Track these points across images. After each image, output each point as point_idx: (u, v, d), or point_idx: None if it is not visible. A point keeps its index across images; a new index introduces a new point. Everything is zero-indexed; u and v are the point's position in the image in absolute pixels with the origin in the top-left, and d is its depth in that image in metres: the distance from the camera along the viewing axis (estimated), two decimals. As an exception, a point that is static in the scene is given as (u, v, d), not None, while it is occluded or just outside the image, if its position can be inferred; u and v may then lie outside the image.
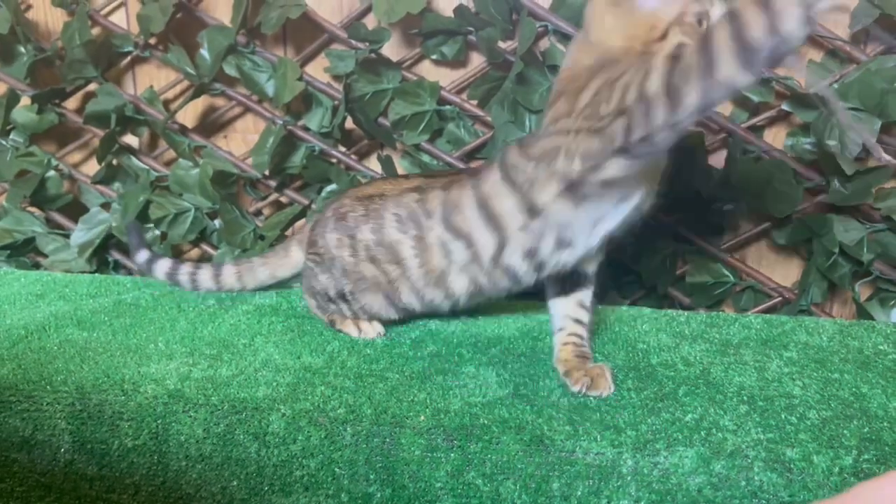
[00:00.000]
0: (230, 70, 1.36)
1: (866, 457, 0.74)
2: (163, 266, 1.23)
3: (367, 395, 0.86)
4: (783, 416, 0.81)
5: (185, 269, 1.21)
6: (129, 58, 1.45)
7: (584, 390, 0.86)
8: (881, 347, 1.00)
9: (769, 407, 0.83)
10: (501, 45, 1.28)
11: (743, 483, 0.73)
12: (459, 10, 1.25)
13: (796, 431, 0.78)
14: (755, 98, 1.24)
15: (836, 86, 1.19)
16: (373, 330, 1.03)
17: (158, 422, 0.83)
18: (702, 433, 0.78)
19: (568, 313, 0.97)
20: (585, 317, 0.97)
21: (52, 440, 0.85)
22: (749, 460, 0.74)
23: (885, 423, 0.80)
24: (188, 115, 1.46)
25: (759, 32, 0.63)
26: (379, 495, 0.79)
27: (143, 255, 1.25)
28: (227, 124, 1.47)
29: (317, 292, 1.06)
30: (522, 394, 0.87)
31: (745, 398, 0.85)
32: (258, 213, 1.45)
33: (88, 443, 0.84)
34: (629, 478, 0.75)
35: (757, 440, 0.77)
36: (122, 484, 0.84)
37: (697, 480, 0.74)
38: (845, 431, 0.78)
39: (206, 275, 1.20)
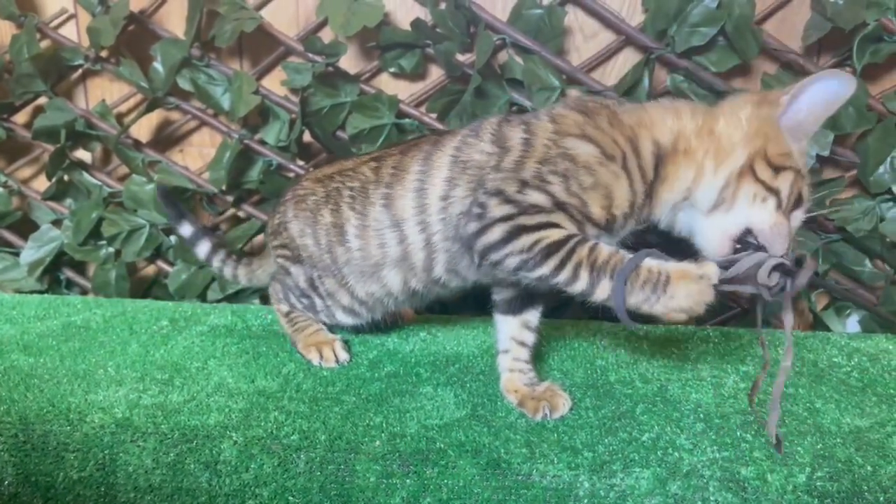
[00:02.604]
0: (185, 83, 1.34)
1: (819, 474, 0.74)
2: (203, 248, 1.26)
3: (321, 420, 0.84)
4: (738, 434, 0.81)
5: (217, 260, 1.25)
6: (79, 71, 1.41)
7: (546, 418, 0.85)
8: (835, 360, 1.01)
9: (725, 424, 0.83)
10: (459, 57, 1.28)
11: (699, 503, 0.73)
12: (416, 23, 1.24)
13: (751, 449, 0.78)
14: (711, 110, 1.24)
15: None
16: (333, 357, 1.01)
17: (105, 452, 0.81)
18: (658, 453, 0.78)
19: (513, 335, 0.96)
20: (530, 339, 0.96)
21: (-5, 473, 0.82)
22: (705, 480, 0.74)
23: (838, 439, 0.80)
24: (142, 129, 1.43)
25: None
26: (334, 524, 0.77)
27: (186, 229, 1.26)
28: (183, 138, 1.44)
29: (290, 289, 1.06)
30: (480, 414, 0.86)
31: (701, 416, 0.86)
32: (216, 228, 1.43)
33: (32, 475, 0.81)
34: (585, 501, 0.74)
35: (713, 459, 0.77)
36: (69, 517, 0.81)
37: (653, 502, 0.74)
38: (799, 448, 0.79)
39: (228, 270, 1.25)
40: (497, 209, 0.81)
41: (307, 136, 1.35)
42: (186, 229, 1.26)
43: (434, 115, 1.31)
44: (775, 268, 0.76)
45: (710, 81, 1.22)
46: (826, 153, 1.19)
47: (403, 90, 1.34)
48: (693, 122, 0.84)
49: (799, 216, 0.83)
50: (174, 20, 1.36)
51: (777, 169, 0.80)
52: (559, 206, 0.80)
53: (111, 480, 0.80)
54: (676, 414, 0.86)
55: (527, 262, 0.79)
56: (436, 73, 1.34)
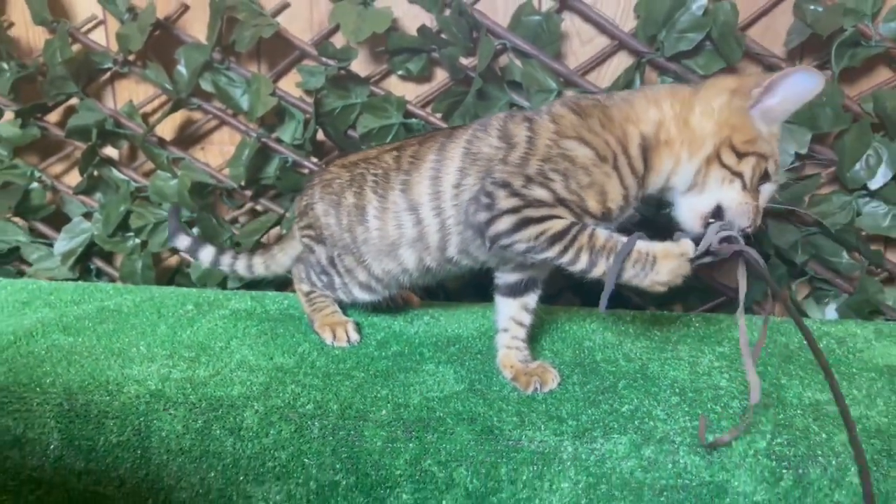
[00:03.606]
0: (206, 85, 1.43)
1: (779, 440, 0.83)
2: (206, 254, 1.31)
3: (333, 392, 0.94)
4: (709, 406, 0.90)
5: (226, 259, 1.31)
6: (108, 74, 1.51)
7: (536, 391, 0.94)
8: (805, 343, 1.09)
9: (698, 398, 0.92)
10: (463, 61, 1.36)
11: (669, 465, 0.82)
12: (422, 29, 1.33)
13: (719, 419, 0.87)
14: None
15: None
16: (345, 337, 1.10)
17: (141, 419, 0.91)
18: (636, 422, 0.87)
19: (513, 315, 1.05)
20: (528, 320, 1.05)
21: (42, 437, 0.92)
22: (675, 445, 0.83)
23: (798, 411, 0.89)
24: (166, 128, 1.52)
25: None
26: (344, 483, 0.87)
27: (183, 241, 1.32)
28: (204, 137, 1.54)
29: (312, 267, 1.15)
30: (476, 388, 0.95)
31: (677, 390, 0.94)
32: (234, 221, 1.52)
33: (76, 440, 0.91)
34: (569, 463, 0.83)
35: (684, 427, 0.86)
36: (108, 477, 0.91)
37: (629, 464, 0.83)
38: (762, 418, 0.87)
39: (241, 264, 1.31)
40: (505, 201, 0.91)
41: (321, 135, 1.44)
42: (184, 241, 1.32)
43: (439, 115, 1.40)
44: (725, 239, 0.87)
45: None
46: (805, 151, 1.27)
47: (410, 92, 1.43)
48: (672, 111, 0.93)
49: (768, 188, 0.94)
50: (196, 26, 1.46)
51: (741, 155, 0.90)
52: (560, 201, 0.90)
53: (146, 444, 0.90)
54: (654, 389, 0.95)
55: (534, 248, 0.90)
56: (441, 76, 1.43)
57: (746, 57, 1.30)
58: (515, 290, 1.06)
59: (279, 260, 1.29)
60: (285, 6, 1.42)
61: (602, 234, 0.88)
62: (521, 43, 1.33)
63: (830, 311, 1.35)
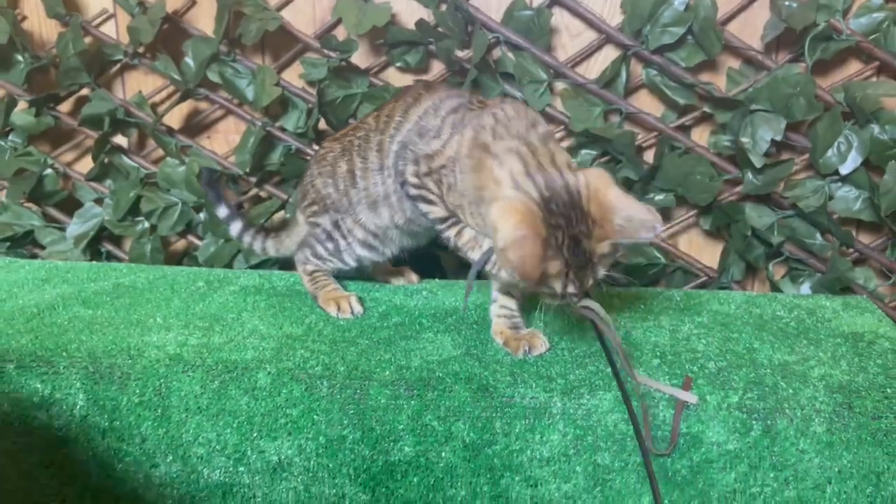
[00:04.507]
0: (213, 76, 1.50)
1: (749, 395, 0.91)
2: (236, 227, 1.40)
3: (340, 356, 1.01)
4: (687, 367, 0.98)
5: (248, 236, 1.40)
6: (118, 65, 1.58)
7: (526, 355, 1.02)
8: (779, 313, 1.17)
9: (676, 360, 1.00)
10: (458, 53, 1.44)
11: (650, 419, 0.90)
12: (420, 23, 1.41)
13: (696, 378, 0.95)
14: (681, 101, 1.41)
15: (749, 90, 1.36)
16: (350, 309, 1.16)
17: (161, 381, 0.98)
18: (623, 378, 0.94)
19: None
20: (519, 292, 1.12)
21: (69, 398, 0.98)
22: (655, 400, 0.91)
23: (768, 370, 0.97)
24: (174, 117, 1.59)
25: None
26: (351, 437, 0.94)
27: (223, 211, 1.40)
28: (211, 126, 1.61)
29: (319, 239, 1.22)
30: (473, 353, 1.03)
31: (657, 353, 1.02)
32: (240, 206, 1.59)
33: (101, 400, 0.98)
34: (558, 416, 0.91)
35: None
36: (130, 434, 0.98)
37: (613, 417, 0.90)
38: (735, 377, 0.95)
39: (258, 244, 1.40)
40: (410, 176, 1.06)
41: (323, 124, 1.52)
42: (223, 211, 1.40)
43: (436, 105, 1.47)
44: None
45: (680, 75, 1.38)
46: (780, 138, 1.35)
47: (408, 82, 1.50)
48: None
49: None
50: (204, 20, 1.53)
51: None
52: (441, 199, 1.03)
53: (166, 403, 0.97)
54: (637, 353, 1.03)
55: (426, 214, 1.07)
56: (437, 68, 1.50)
57: (726, 50, 1.38)
58: None
59: (287, 244, 1.37)
60: (289, 1, 1.49)
61: (467, 233, 1.04)
62: (513, 36, 1.41)
63: (805, 290, 1.43)
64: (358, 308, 1.17)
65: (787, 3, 1.33)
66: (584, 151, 1.46)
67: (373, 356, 1.01)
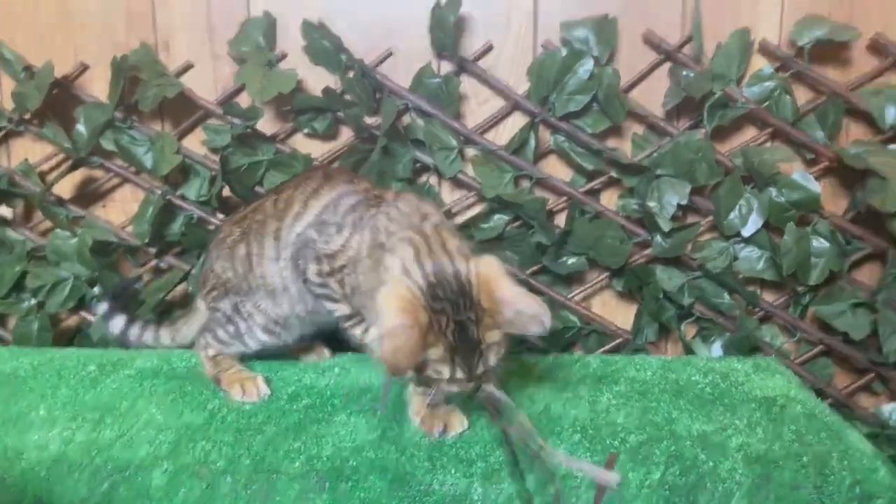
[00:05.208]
0: (108, 144, 1.43)
1: (671, 471, 0.90)
2: (117, 323, 1.34)
3: (245, 446, 0.94)
4: (608, 442, 0.96)
5: (135, 330, 1.34)
6: (2, 132, 1.47)
7: (442, 434, 0.97)
8: (693, 378, 1.18)
9: (597, 434, 0.98)
10: (368, 120, 1.42)
11: (573, 500, 0.87)
12: (327, 90, 1.38)
13: (618, 453, 0.93)
14: (590, 166, 1.42)
15: (654, 155, 1.39)
16: (256, 391, 1.10)
17: (42, 485, 0.88)
18: (541, 460, 0.91)
19: None
20: None
21: (-67, 511, 0.87)
22: (578, 481, 0.88)
23: (688, 442, 0.96)
24: (65, 186, 1.49)
25: None
26: (258, 538, 0.87)
27: (102, 307, 1.35)
28: (106, 195, 1.52)
29: (219, 323, 1.16)
30: (389, 436, 0.98)
31: (578, 428, 1.00)
32: (138, 279, 1.50)
33: (-29, 511, 0.87)
34: (479, 503, 0.87)
35: (585, 463, 0.91)
36: (6, 549, 0.87)
37: (536, 502, 0.87)
38: (656, 451, 0.94)
39: (149, 335, 1.34)
40: (313, 275, 1.06)
41: (227, 191, 1.45)
42: (102, 307, 1.34)
43: (345, 172, 1.44)
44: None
45: (587, 141, 1.40)
46: (685, 202, 1.38)
47: (316, 149, 1.46)
48: None
49: None
50: (97, 85, 1.45)
51: None
52: (345, 298, 1.04)
53: (48, 511, 0.87)
54: (557, 428, 1.00)
55: (332, 312, 1.07)
56: (346, 133, 1.47)
57: (630, 116, 1.41)
58: None
59: (184, 332, 1.31)
60: (189, 67, 1.44)
61: (374, 331, 0.98)
62: (422, 103, 1.40)
63: (716, 349, 1.46)
64: (265, 390, 1.10)
65: (684, 72, 1.38)
66: (496, 217, 1.45)
67: (281, 445, 0.95)
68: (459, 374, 0.92)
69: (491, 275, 0.93)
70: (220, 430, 0.98)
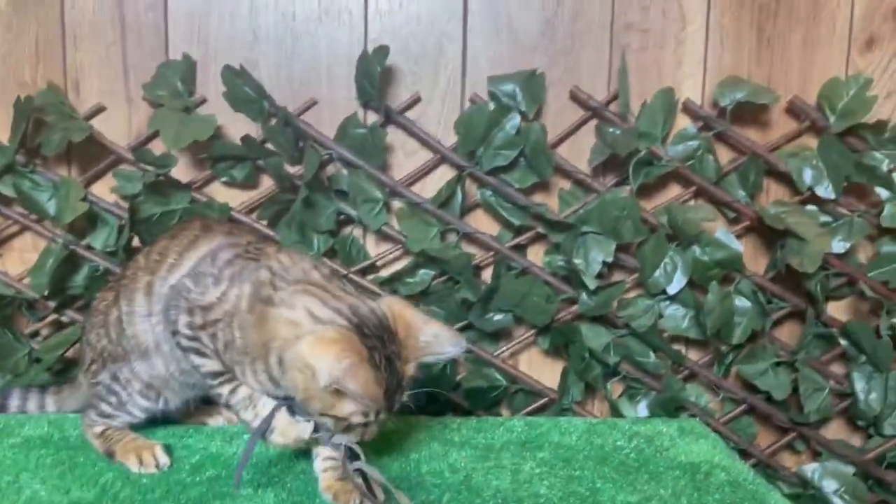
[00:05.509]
0: (7, 189, 1.33)
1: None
2: None
3: (137, 528, 0.86)
4: (530, 515, 0.92)
5: (15, 400, 1.24)
6: None
7: None
8: (619, 443, 1.15)
9: (519, 507, 0.94)
10: (290, 169, 1.37)
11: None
12: (246, 138, 1.33)
13: (539, 529, 0.88)
14: (516, 221, 1.40)
15: (581, 212, 1.38)
16: (154, 462, 1.02)
17: None
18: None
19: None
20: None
21: None
22: (498, 560, 0.83)
23: (613, 515, 0.92)
24: (-42, 233, 1.39)
25: None
26: None
27: None
28: (3, 242, 1.41)
29: (101, 397, 1.07)
30: (298, 513, 0.91)
31: (499, 500, 0.95)
32: (35, 334, 1.39)
33: None
34: (392, 588, 0.81)
35: (506, 540, 0.86)
36: None
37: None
38: (583, 525, 0.90)
39: (32, 403, 1.24)
40: (183, 327, 0.96)
41: (137, 242, 1.37)
42: None
43: (265, 223, 1.38)
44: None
45: (514, 196, 1.38)
46: (611, 259, 1.37)
47: (235, 198, 1.40)
48: None
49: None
50: (-1, 126, 1.36)
51: None
52: (216, 354, 0.95)
53: None
54: (478, 500, 0.95)
55: (199, 368, 0.96)
56: (267, 182, 1.42)
57: (557, 172, 1.40)
58: None
59: (69, 403, 1.23)
60: (100, 110, 1.36)
61: (242, 391, 0.96)
62: (347, 154, 1.36)
63: (642, 409, 1.44)
64: (164, 459, 1.02)
65: (610, 129, 1.38)
66: (421, 272, 1.41)
67: (178, 525, 0.87)
68: (382, 414, 0.90)
69: (401, 308, 0.94)
70: (111, 509, 0.90)
